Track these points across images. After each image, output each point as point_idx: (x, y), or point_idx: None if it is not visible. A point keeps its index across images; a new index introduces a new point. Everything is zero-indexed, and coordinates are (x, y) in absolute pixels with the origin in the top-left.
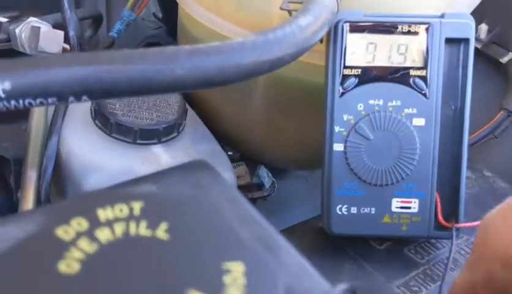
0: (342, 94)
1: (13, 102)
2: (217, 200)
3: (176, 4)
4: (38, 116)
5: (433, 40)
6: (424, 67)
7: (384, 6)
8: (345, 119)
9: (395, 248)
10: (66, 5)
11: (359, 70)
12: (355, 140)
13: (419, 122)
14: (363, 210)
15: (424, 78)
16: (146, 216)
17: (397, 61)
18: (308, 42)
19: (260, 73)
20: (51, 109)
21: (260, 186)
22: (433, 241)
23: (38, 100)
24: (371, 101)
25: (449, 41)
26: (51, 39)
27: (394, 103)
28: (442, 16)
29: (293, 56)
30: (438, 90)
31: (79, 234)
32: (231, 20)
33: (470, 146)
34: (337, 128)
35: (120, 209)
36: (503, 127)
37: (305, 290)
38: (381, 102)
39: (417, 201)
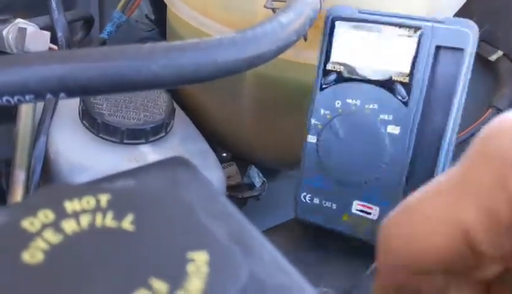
0: (323, 88)
1: None
2: (191, 196)
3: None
4: (26, 117)
5: (422, 47)
6: (409, 74)
7: (368, 5)
8: (322, 113)
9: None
10: (54, 6)
11: (342, 67)
12: (327, 135)
13: (394, 129)
14: (325, 203)
15: (406, 86)
16: (112, 208)
17: (381, 63)
18: (290, 39)
19: (239, 71)
20: (39, 109)
21: (251, 186)
22: None
23: (16, 98)
24: (348, 100)
25: (441, 49)
26: (38, 40)
27: (371, 106)
28: (439, 21)
29: (274, 53)
30: (420, 100)
31: (44, 226)
32: (218, 20)
33: (459, 144)
34: (313, 121)
35: (87, 201)
36: None
37: (277, 285)
38: (358, 102)
39: (378, 209)
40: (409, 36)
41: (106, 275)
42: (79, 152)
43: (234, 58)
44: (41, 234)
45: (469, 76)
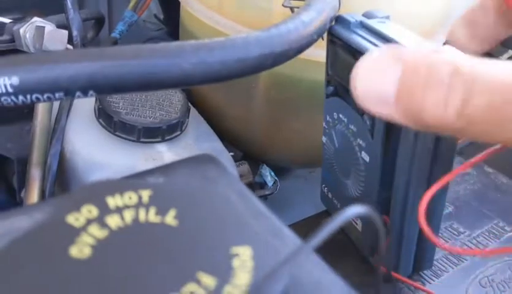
0: (326, 97)
1: (20, 97)
2: (224, 191)
3: (177, 5)
4: (43, 115)
5: None
6: None
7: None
8: (328, 118)
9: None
10: (69, 5)
11: (336, 82)
12: (329, 141)
13: (366, 157)
14: (334, 200)
15: (372, 118)
16: (154, 203)
17: None
18: (311, 37)
19: (264, 68)
20: (55, 108)
21: (262, 185)
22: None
23: (45, 95)
24: (340, 116)
25: None
26: (56, 38)
27: (352, 127)
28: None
29: (296, 51)
30: (382, 134)
31: (89, 221)
32: (233, 18)
33: (470, 143)
34: (324, 123)
35: (130, 197)
36: None
37: (315, 282)
38: (345, 120)
39: (360, 223)
40: None
41: (155, 270)
42: (96, 151)
43: (260, 55)
44: (87, 230)
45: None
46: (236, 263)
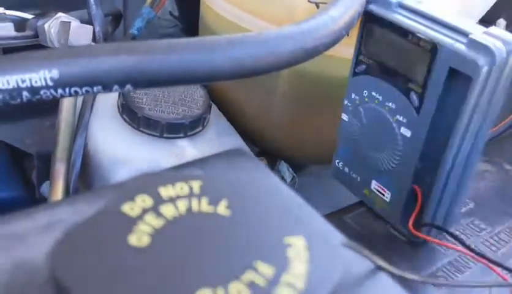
0: (355, 74)
1: (59, 91)
2: (265, 182)
3: (193, 2)
4: (67, 111)
5: (437, 64)
6: (422, 85)
7: None
8: (353, 97)
9: (420, 240)
10: (92, 1)
11: (371, 61)
12: (354, 119)
13: (406, 132)
14: (352, 173)
15: (420, 95)
16: (205, 194)
17: (401, 67)
18: (341, 33)
19: (296, 63)
20: (79, 103)
21: None
22: (457, 233)
23: (84, 89)
24: (373, 93)
25: (454, 71)
26: (81, 34)
27: (390, 104)
28: (463, 41)
29: (326, 46)
30: (431, 111)
31: (145, 210)
32: (256, 14)
33: (491, 139)
34: (345, 102)
35: (181, 187)
36: None
37: (362, 274)
38: (380, 98)
39: (390, 194)
40: (426, 50)
41: (213, 258)
42: (119, 146)
43: (291, 50)
44: (143, 219)
45: (485, 100)
46: (290, 252)
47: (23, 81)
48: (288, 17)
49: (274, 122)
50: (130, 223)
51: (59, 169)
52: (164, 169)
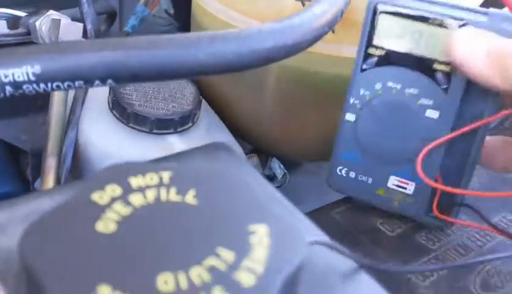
0: (364, 69)
1: (42, 85)
2: (240, 175)
3: (188, 0)
4: (58, 106)
5: None
6: (450, 63)
7: None
8: (361, 93)
9: (407, 235)
10: None
11: (384, 52)
12: (367, 115)
13: (433, 114)
14: (360, 177)
15: (447, 74)
16: (174, 184)
17: (424, 51)
18: (323, 30)
19: (277, 59)
20: (70, 99)
21: (272, 178)
22: (444, 228)
23: (65, 84)
24: (389, 84)
25: None
26: (71, 31)
27: (411, 90)
28: (484, 12)
29: (308, 43)
30: (459, 88)
31: (113, 199)
32: (245, 13)
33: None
34: (352, 100)
35: (151, 178)
36: None
37: (326, 264)
38: (398, 87)
39: (414, 184)
40: (452, 27)
41: (177, 244)
42: (109, 141)
43: (274, 46)
44: (112, 207)
45: None
46: (253, 239)
47: (6, 76)
48: (277, 15)
49: (264, 119)
50: (99, 211)
51: (50, 164)
52: (137, 161)
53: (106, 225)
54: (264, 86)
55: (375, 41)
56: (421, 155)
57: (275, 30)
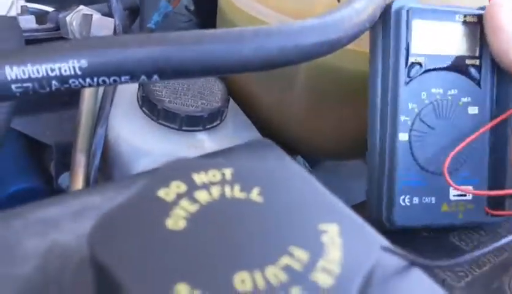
0: (408, 82)
1: (88, 80)
2: (293, 172)
3: None
4: (88, 102)
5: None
6: (478, 57)
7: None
8: (410, 107)
9: (440, 236)
10: None
11: (423, 58)
12: (420, 128)
13: (473, 110)
14: (424, 200)
15: (478, 67)
16: (238, 181)
17: (455, 49)
18: (364, 26)
19: (320, 55)
20: (100, 95)
21: None
22: (477, 228)
23: (112, 79)
24: (433, 90)
25: None
26: (103, 26)
27: (452, 91)
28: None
29: (350, 38)
30: (490, 79)
31: (180, 196)
32: (275, 8)
33: None
34: (402, 118)
35: (214, 175)
36: None
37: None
38: (441, 91)
39: (471, 188)
40: (475, 22)
41: (249, 243)
42: (139, 138)
43: (316, 42)
44: (179, 203)
45: None
46: (325, 239)
47: (52, 70)
48: (307, 11)
49: (291, 116)
50: (166, 207)
51: (80, 160)
52: (195, 157)
53: (176, 222)
54: (291, 82)
55: (413, 49)
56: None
57: (319, 26)
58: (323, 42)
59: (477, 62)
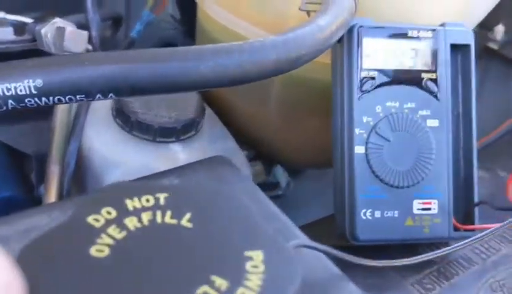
0: (360, 96)
1: (43, 99)
2: (238, 193)
3: (194, 5)
4: (62, 113)
5: (440, 45)
6: (434, 70)
7: (400, 14)
8: (365, 121)
9: (410, 246)
10: (89, 6)
11: (376, 73)
12: (376, 142)
13: (433, 123)
14: (386, 214)
15: (434, 81)
16: (170, 206)
17: (409, 64)
18: (328, 42)
19: (281, 72)
20: (75, 107)
21: (276, 185)
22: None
23: (67, 97)
24: (388, 104)
25: (452, 47)
26: (76, 39)
27: (409, 105)
28: (443, 25)
29: (312, 55)
30: (447, 92)
31: (108, 222)
32: (250, 21)
33: (486, 146)
34: (357, 131)
35: (147, 200)
36: None
37: (322, 282)
38: (397, 104)
39: (436, 202)
40: (428, 38)
41: (170, 271)
42: (113, 149)
43: (278, 59)
44: (106, 230)
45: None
46: (249, 266)
47: (8, 90)
48: (282, 24)
49: (268, 126)
50: (94, 234)
51: (53, 171)
52: (138, 178)
53: (100, 249)
54: (267, 94)
55: (365, 65)
56: None
57: (280, 43)
58: (284, 59)
59: (433, 75)
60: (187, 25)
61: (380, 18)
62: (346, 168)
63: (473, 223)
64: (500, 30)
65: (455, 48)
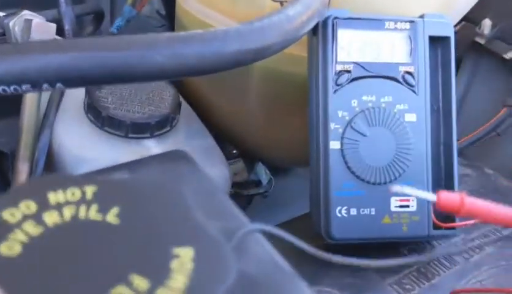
0: (336, 90)
1: None
2: (188, 190)
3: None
4: (31, 109)
5: (418, 37)
6: (412, 63)
7: (378, 6)
8: (340, 115)
9: (389, 246)
10: None
11: (351, 66)
12: (351, 137)
13: (411, 117)
14: (363, 211)
15: (412, 74)
16: (97, 200)
17: (386, 57)
18: (297, 32)
19: (244, 63)
20: (44, 102)
21: (257, 183)
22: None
23: (12, 87)
24: (364, 98)
25: (431, 40)
26: (43, 31)
27: (386, 98)
28: (422, 16)
29: (280, 46)
30: (426, 86)
31: (25, 217)
32: (225, 13)
33: (472, 143)
34: (332, 125)
35: (72, 193)
36: (506, 124)
37: (269, 282)
38: (373, 98)
39: (415, 199)
40: (406, 29)
41: (85, 270)
42: (83, 145)
43: (239, 49)
44: (21, 226)
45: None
46: (174, 264)
47: None
48: (257, 15)
49: (248, 123)
50: (6, 230)
51: (22, 169)
52: (83, 173)
53: (11, 246)
54: (245, 89)
55: (340, 57)
56: None
57: (243, 33)
58: (247, 50)
59: (411, 68)
60: (173, 21)
61: (357, 10)
62: (322, 164)
63: (453, 221)
64: (487, 24)
65: (435, 41)
